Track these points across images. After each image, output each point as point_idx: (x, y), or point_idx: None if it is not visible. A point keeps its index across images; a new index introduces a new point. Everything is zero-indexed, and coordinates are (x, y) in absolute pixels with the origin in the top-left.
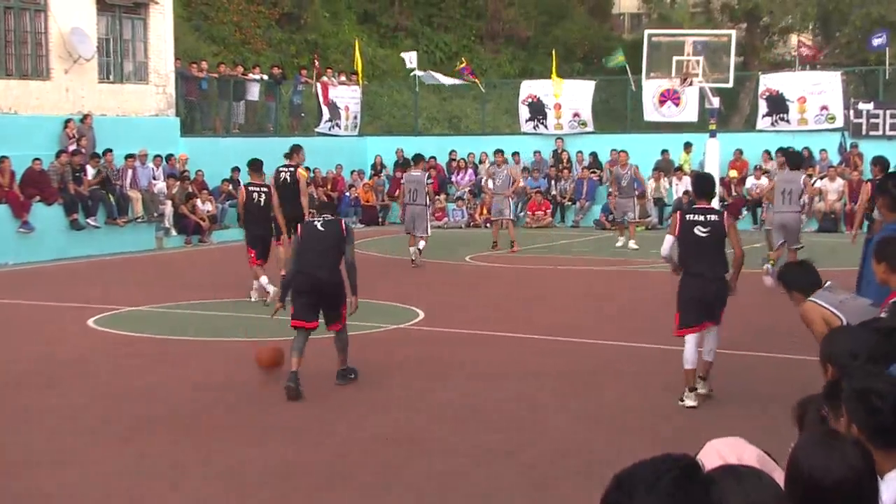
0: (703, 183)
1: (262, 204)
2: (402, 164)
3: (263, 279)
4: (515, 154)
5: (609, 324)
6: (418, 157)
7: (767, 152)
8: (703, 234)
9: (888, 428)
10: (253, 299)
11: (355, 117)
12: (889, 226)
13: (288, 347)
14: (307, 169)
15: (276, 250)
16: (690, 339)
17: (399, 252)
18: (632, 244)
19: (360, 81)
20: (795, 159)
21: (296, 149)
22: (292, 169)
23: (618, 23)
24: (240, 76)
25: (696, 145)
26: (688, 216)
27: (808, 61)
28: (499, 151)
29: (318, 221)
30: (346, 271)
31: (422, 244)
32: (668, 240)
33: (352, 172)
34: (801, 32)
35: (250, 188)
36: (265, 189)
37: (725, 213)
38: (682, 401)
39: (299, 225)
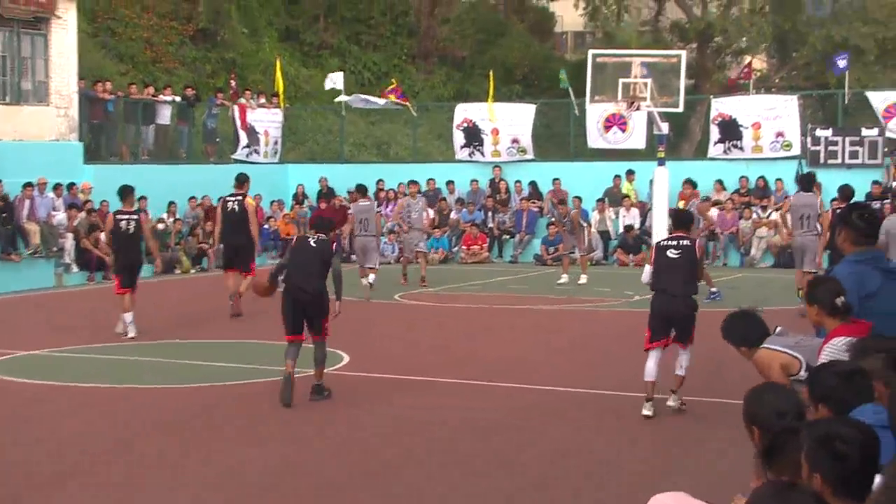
0: (681, 216)
1: (130, 232)
2: (326, 194)
3: (128, 316)
4: (450, 183)
5: (547, 368)
6: (363, 187)
7: (720, 182)
8: (674, 256)
9: (856, 475)
10: (118, 330)
11: (275, 143)
12: (851, 257)
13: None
14: (294, 196)
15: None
16: (653, 354)
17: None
18: (582, 279)
19: (282, 104)
20: (808, 181)
21: (244, 178)
22: (240, 198)
23: (560, 42)
24: (150, 98)
25: (644, 174)
26: (662, 243)
27: (745, 79)
28: (413, 182)
29: (312, 238)
30: (333, 279)
31: (372, 277)
32: (647, 269)
33: (271, 203)
34: (755, 54)
35: (118, 216)
36: (135, 217)
37: (698, 241)
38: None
39: (294, 238)
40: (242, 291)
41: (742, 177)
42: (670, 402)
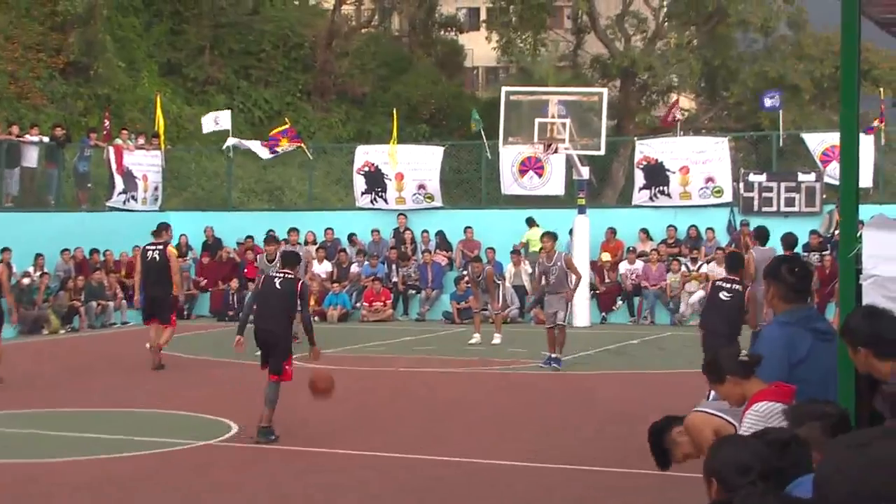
0: (733, 259)
1: None
2: (212, 245)
3: None
4: (352, 236)
5: (454, 437)
6: (273, 237)
7: (645, 231)
8: (726, 299)
9: None
10: None
11: (155, 188)
12: (781, 317)
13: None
14: (176, 247)
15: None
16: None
17: (210, 351)
18: (496, 339)
19: (162, 145)
20: (766, 234)
21: (164, 227)
22: (161, 247)
23: (471, 78)
24: (14, 138)
25: (563, 222)
26: (717, 282)
27: (671, 120)
28: (293, 230)
29: (278, 278)
30: (304, 328)
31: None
32: (699, 294)
33: None
34: (683, 92)
35: None
36: None
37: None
38: None
39: (263, 276)
40: (162, 344)
41: (670, 226)
42: None
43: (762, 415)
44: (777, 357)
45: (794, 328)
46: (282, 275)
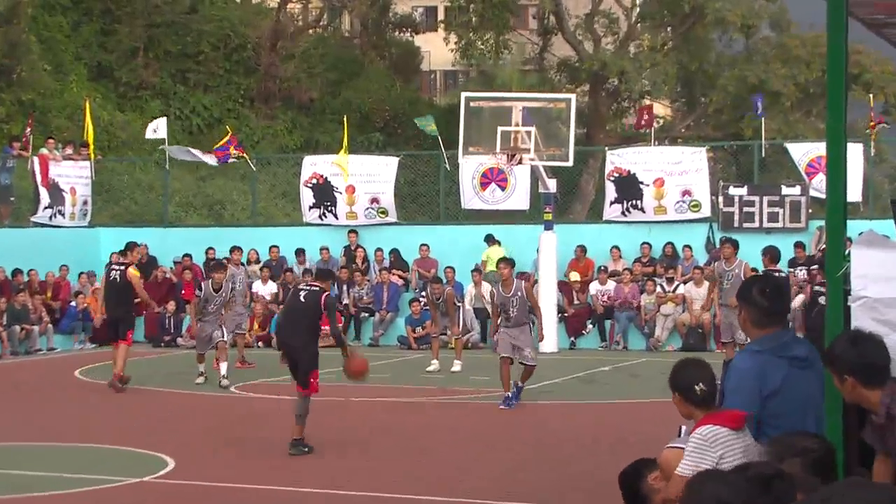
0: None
1: None
2: (146, 264)
3: None
4: (301, 252)
5: (410, 480)
6: (219, 263)
7: (617, 249)
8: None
9: None
10: None
11: (84, 202)
12: (752, 345)
13: None
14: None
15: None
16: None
17: (144, 379)
18: (456, 366)
19: (92, 155)
20: (778, 254)
21: (131, 246)
22: (123, 268)
23: (428, 83)
24: None
25: (527, 239)
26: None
27: (646, 127)
28: (236, 248)
29: (304, 291)
30: (335, 341)
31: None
32: (800, 298)
33: (80, 275)
34: (658, 98)
35: None
36: None
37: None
38: None
39: (291, 290)
40: (120, 364)
41: (644, 243)
42: None
43: (706, 439)
44: (747, 389)
45: (766, 357)
46: (308, 288)
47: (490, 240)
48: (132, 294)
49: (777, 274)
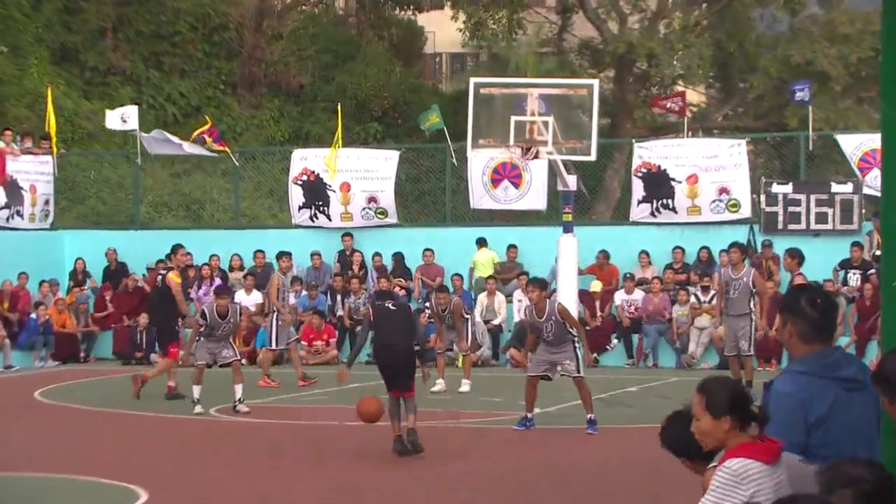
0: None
1: None
2: (115, 271)
3: None
4: (285, 256)
5: None
6: (225, 289)
7: (645, 254)
8: None
9: None
10: None
11: (46, 202)
12: (795, 366)
13: None
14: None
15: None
16: None
17: (114, 401)
18: (464, 386)
19: (54, 149)
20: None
21: (175, 248)
22: (163, 272)
23: (433, 67)
24: None
25: (545, 243)
26: None
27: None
28: (285, 254)
29: (389, 303)
30: (419, 345)
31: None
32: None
33: (41, 284)
34: (690, 84)
35: None
36: None
37: None
38: None
39: (371, 308)
40: (148, 376)
41: (676, 247)
42: None
43: (735, 475)
44: (790, 418)
45: (812, 378)
46: (391, 302)
47: (481, 243)
48: (168, 301)
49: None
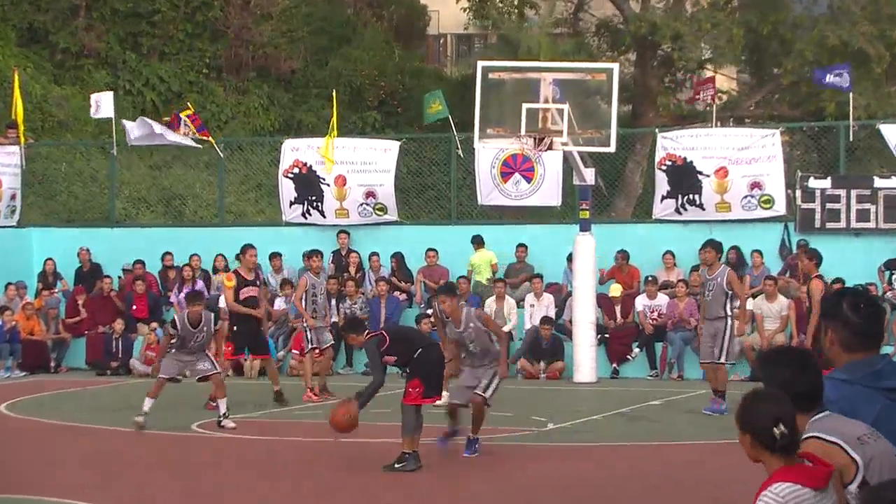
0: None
1: None
2: (88, 273)
3: None
4: (276, 256)
5: None
6: (196, 294)
7: (670, 254)
8: None
9: None
10: None
11: (12, 197)
12: (839, 374)
13: None
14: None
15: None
16: None
17: (86, 415)
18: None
19: (22, 138)
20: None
21: (244, 249)
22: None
23: (436, 49)
24: None
25: (560, 242)
26: None
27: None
28: (315, 252)
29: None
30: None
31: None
32: None
33: (7, 286)
34: (720, 68)
35: None
36: None
37: None
38: None
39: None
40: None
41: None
42: None
43: (782, 501)
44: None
45: (856, 388)
46: None
47: (478, 242)
48: (257, 305)
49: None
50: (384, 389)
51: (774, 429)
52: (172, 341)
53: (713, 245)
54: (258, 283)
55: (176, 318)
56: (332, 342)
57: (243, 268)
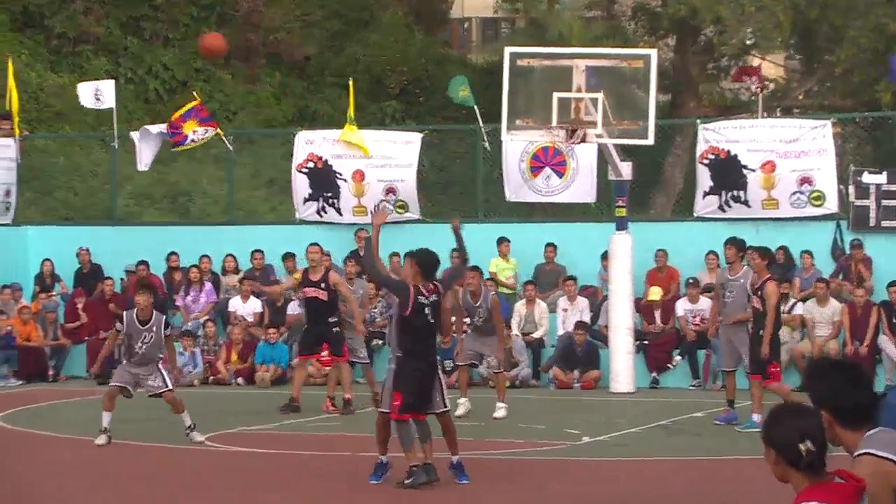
0: None
1: None
2: (88, 274)
3: None
4: (290, 257)
5: None
6: (144, 281)
7: (713, 255)
8: None
9: None
10: None
11: (7, 193)
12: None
13: None
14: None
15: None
16: None
17: (84, 427)
18: (499, 410)
19: (17, 130)
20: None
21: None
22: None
23: (460, 34)
24: None
25: (594, 241)
26: None
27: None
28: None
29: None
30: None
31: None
32: None
33: (1, 289)
34: (766, 55)
35: None
36: None
37: None
38: None
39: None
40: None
41: (749, 248)
42: None
43: None
44: None
45: None
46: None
47: (502, 246)
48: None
49: None
50: None
51: (800, 445)
52: (119, 339)
53: (734, 243)
54: (324, 286)
55: (124, 314)
56: (368, 361)
57: (311, 270)
